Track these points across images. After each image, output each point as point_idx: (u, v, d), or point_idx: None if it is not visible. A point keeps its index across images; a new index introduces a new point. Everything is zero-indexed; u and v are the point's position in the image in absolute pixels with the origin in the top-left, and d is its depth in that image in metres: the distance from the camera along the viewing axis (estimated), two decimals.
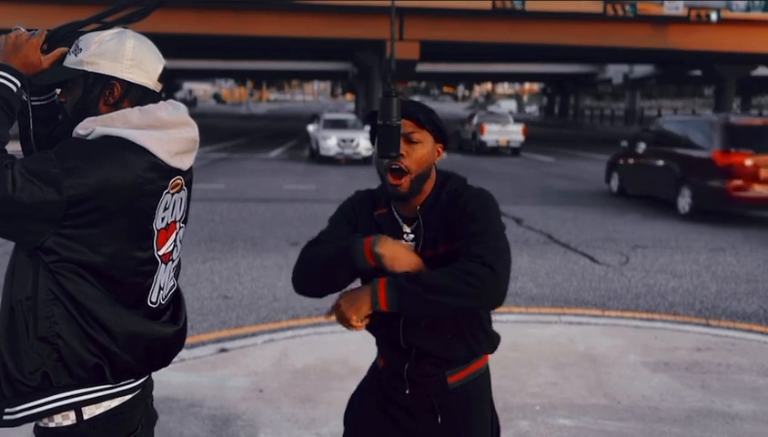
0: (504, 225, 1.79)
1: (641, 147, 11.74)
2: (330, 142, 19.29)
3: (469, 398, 1.90)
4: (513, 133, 23.68)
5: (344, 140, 19.14)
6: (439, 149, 1.88)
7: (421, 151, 1.80)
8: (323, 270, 1.82)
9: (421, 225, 1.82)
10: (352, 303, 1.70)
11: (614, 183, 12.71)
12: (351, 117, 22.46)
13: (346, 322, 1.72)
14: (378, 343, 2.00)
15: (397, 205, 1.88)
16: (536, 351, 4.64)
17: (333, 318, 1.76)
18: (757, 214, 9.94)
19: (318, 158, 19.91)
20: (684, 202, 10.21)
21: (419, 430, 1.90)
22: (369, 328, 1.98)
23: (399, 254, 1.71)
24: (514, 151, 23.83)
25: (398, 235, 1.84)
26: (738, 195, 9.32)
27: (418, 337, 1.84)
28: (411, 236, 1.84)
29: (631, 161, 12.14)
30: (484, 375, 1.96)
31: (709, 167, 9.51)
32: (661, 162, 11.06)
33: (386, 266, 1.69)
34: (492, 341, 1.95)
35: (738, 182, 9.25)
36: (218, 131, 35.59)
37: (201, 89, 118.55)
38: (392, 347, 1.90)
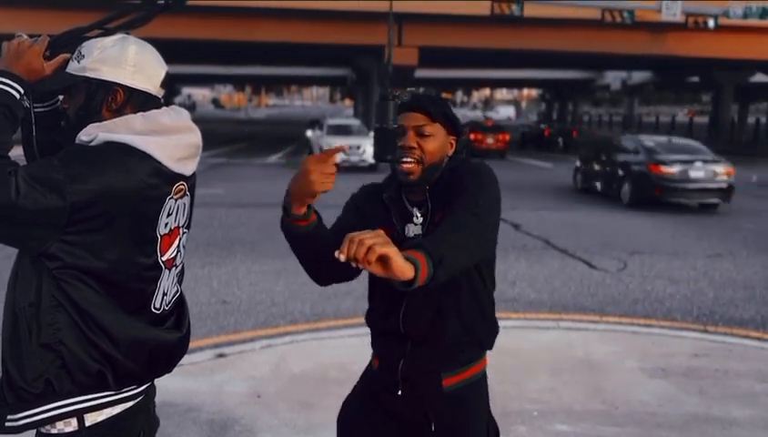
0: (499, 196, 1.77)
1: (597, 156, 15.13)
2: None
3: (463, 405, 1.87)
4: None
5: (349, 147, 18.53)
6: (452, 142, 1.89)
7: (433, 144, 1.82)
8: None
9: (430, 208, 1.83)
10: (384, 245, 1.36)
11: (578, 181, 15.62)
12: (356, 123, 21.91)
13: (363, 249, 1.34)
14: (373, 340, 1.98)
15: (406, 191, 1.89)
16: (534, 357, 4.64)
17: (344, 253, 1.35)
18: (674, 200, 12.90)
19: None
20: (626, 195, 13.24)
21: None
22: (368, 320, 1.98)
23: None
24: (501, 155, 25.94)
25: (407, 218, 1.86)
26: (664, 193, 12.64)
27: (417, 319, 1.83)
28: (421, 218, 1.85)
29: (590, 166, 15.19)
30: (481, 382, 1.92)
31: (650, 168, 12.73)
32: (610, 167, 14.08)
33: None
34: (490, 328, 1.91)
35: (658, 182, 12.51)
36: (217, 136, 35.61)
37: (200, 94, 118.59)
38: (389, 339, 1.88)
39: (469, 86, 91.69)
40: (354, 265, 1.35)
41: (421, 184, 1.83)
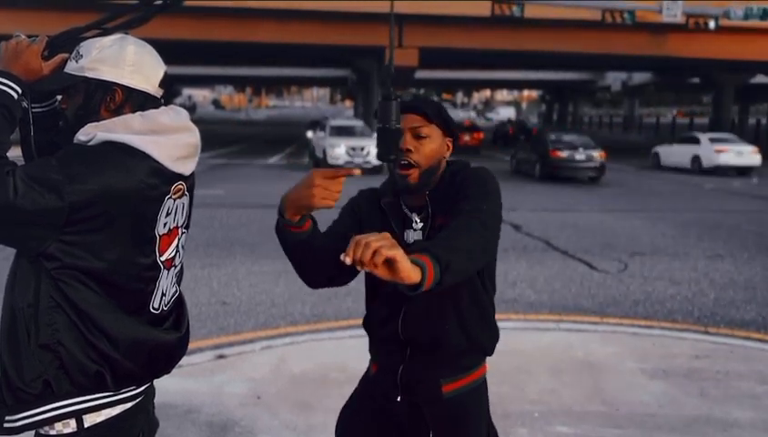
0: (500, 201, 1.76)
1: (525, 147, 21.14)
2: (339, 150, 18.43)
3: (462, 411, 1.84)
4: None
5: (353, 148, 18.30)
6: (449, 144, 1.87)
7: (430, 145, 1.80)
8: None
9: (430, 213, 1.81)
10: (391, 247, 1.32)
11: (513, 165, 21.10)
12: (359, 124, 21.51)
13: (369, 251, 1.30)
14: (371, 346, 1.96)
15: (405, 196, 1.87)
16: (534, 358, 4.64)
17: (349, 256, 1.31)
18: (566, 175, 17.92)
19: (324, 167, 19.21)
20: (537, 171, 18.73)
21: None
22: (366, 326, 1.96)
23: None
24: (476, 151, 29.44)
25: (406, 224, 1.84)
26: (558, 169, 18.14)
27: (417, 326, 1.81)
28: (420, 224, 1.83)
29: (520, 154, 20.91)
30: (480, 388, 1.90)
31: (549, 153, 18.26)
32: (529, 154, 19.76)
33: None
34: (492, 333, 1.89)
35: (557, 163, 18.03)
36: (218, 137, 35.64)
37: (200, 95, 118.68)
38: (388, 345, 1.86)
39: (470, 87, 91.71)
40: (359, 268, 1.32)
41: (420, 189, 1.81)
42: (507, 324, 5.35)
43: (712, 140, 20.99)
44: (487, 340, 1.88)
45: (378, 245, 1.29)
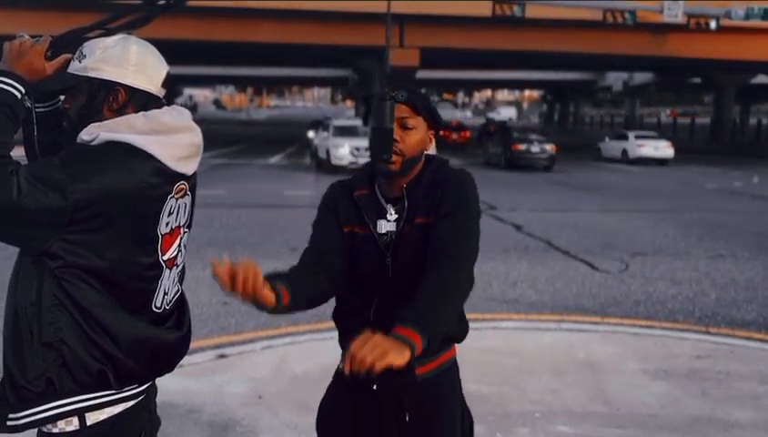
0: (479, 210, 1.83)
1: (494, 141, 24.76)
2: (343, 150, 18.25)
3: (436, 392, 1.88)
4: None
5: (357, 149, 18.05)
6: (431, 136, 1.90)
7: (415, 137, 1.83)
8: None
9: (406, 204, 1.83)
10: (383, 354, 1.43)
11: (485, 157, 24.65)
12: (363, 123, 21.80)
13: (365, 367, 1.43)
14: (342, 339, 1.97)
15: (382, 185, 1.89)
16: (535, 358, 4.64)
17: (347, 368, 1.45)
18: (524, 164, 22.04)
19: (328, 168, 18.65)
20: (503, 161, 22.63)
21: (387, 430, 1.87)
22: (336, 319, 2.00)
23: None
24: (463, 147, 32.39)
25: (380, 214, 1.86)
26: (518, 160, 22.23)
27: (390, 316, 1.76)
28: (395, 215, 1.85)
29: (491, 147, 24.53)
30: (452, 368, 1.93)
31: (511, 147, 22.24)
32: (497, 148, 23.72)
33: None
34: (462, 327, 1.92)
35: (517, 154, 22.20)
36: (219, 137, 35.66)
37: (202, 95, 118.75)
38: (360, 335, 1.87)
39: (471, 87, 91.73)
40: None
41: (400, 175, 1.84)
42: (508, 324, 5.35)
43: (637, 137, 26.62)
44: (458, 332, 1.91)
45: (371, 359, 1.41)
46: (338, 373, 2.03)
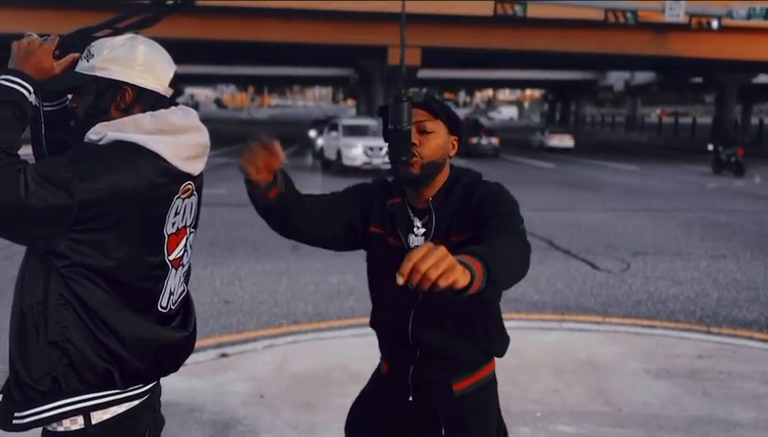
0: (522, 219, 1.75)
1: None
2: (356, 151, 17.74)
3: (474, 408, 1.84)
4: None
5: (371, 148, 17.58)
6: (454, 143, 1.85)
7: (435, 141, 1.77)
8: None
9: (433, 217, 1.78)
10: (449, 271, 1.23)
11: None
12: (373, 123, 20.66)
13: (428, 282, 1.22)
14: (381, 345, 1.94)
15: (409, 195, 1.84)
16: (537, 358, 4.64)
17: (404, 276, 1.22)
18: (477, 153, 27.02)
19: (337, 168, 18.21)
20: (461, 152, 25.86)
21: None
22: (375, 323, 1.94)
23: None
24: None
25: (409, 226, 1.82)
26: (471, 150, 27.62)
27: (427, 332, 1.79)
28: (422, 230, 1.80)
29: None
30: (491, 384, 1.89)
31: (466, 140, 23.88)
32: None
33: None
34: (503, 341, 1.89)
35: (471, 146, 27.73)
36: (220, 136, 35.62)
37: (203, 94, 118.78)
38: (398, 346, 1.84)
39: (472, 86, 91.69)
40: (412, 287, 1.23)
41: (420, 181, 1.78)
42: (509, 324, 5.31)
43: (549, 132, 36.02)
44: (497, 345, 1.88)
45: (436, 274, 1.20)
46: (375, 378, 1.99)
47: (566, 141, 34.18)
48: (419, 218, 1.82)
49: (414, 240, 1.81)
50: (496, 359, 1.92)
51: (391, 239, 1.83)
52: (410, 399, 1.83)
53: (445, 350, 1.80)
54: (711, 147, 23.14)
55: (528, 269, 1.57)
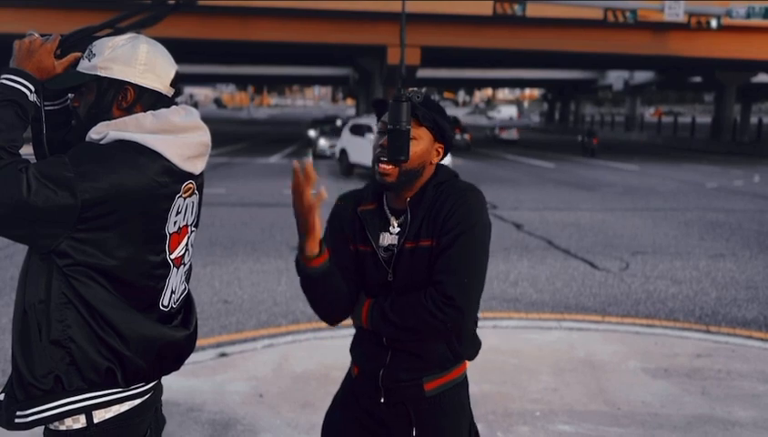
0: (488, 233, 1.78)
1: None
2: (368, 151, 17.38)
3: (445, 409, 1.84)
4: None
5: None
6: (439, 149, 1.83)
7: (415, 148, 1.75)
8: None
9: (408, 218, 1.79)
10: None
11: None
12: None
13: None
14: (353, 348, 1.95)
15: (388, 196, 1.85)
16: (536, 357, 4.64)
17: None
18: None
19: (346, 169, 17.88)
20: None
21: None
22: (354, 323, 1.95)
23: None
24: None
25: (384, 228, 1.83)
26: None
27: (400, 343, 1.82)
28: (398, 229, 1.81)
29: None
30: (462, 384, 1.89)
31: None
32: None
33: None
34: (474, 346, 1.90)
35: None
36: (219, 136, 35.65)
37: (202, 94, 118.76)
38: (372, 346, 1.85)
39: (472, 86, 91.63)
40: None
41: (397, 188, 1.78)
42: (508, 323, 5.36)
43: (500, 127, 43.44)
44: (469, 347, 1.89)
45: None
46: (347, 382, 2.01)
47: (512, 134, 41.81)
48: (396, 217, 1.83)
49: (387, 239, 1.82)
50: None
51: (362, 247, 1.85)
52: (382, 400, 1.84)
53: (417, 352, 1.81)
54: (579, 138, 33.31)
55: (445, 327, 1.74)
